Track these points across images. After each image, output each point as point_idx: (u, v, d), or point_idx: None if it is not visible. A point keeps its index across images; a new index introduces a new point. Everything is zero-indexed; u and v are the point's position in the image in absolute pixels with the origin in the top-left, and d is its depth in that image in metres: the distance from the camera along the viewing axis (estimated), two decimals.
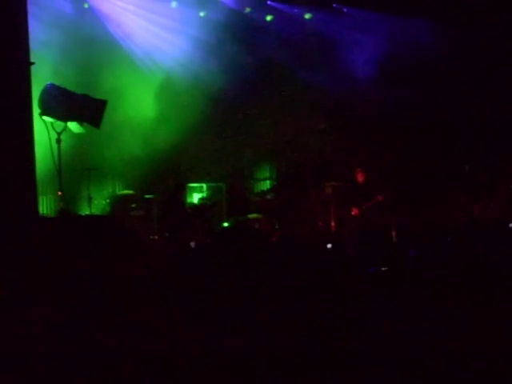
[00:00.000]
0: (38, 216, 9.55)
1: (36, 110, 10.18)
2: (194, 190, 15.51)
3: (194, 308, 6.91)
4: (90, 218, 11.06)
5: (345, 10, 16.87)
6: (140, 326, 6.36)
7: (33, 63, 9.47)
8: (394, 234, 13.42)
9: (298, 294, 7.47)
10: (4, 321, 6.32)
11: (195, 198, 15.42)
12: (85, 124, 11.26)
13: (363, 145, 15.95)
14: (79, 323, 6.37)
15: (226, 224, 14.78)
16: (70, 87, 11.13)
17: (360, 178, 14.39)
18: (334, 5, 16.80)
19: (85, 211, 13.73)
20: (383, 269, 9.56)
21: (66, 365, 5.00)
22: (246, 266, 8.02)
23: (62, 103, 10.74)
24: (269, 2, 16.54)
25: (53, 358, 5.18)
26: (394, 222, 13.55)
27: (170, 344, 5.68)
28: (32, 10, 9.62)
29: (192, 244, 13.65)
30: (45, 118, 10.61)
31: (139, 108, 15.16)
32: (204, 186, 15.57)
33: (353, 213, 14.15)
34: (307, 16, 16.79)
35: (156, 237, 14.11)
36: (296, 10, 16.80)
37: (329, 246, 12.24)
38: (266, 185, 16.93)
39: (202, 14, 16.01)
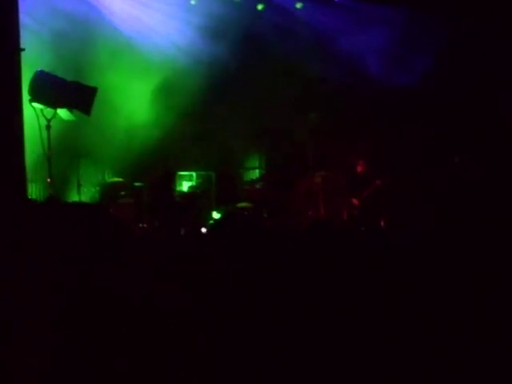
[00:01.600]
0: (27, 201, 9.51)
1: (26, 97, 10.17)
2: (184, 178, 15.50)
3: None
4: (78, 205, 11.04)
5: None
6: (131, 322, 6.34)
7: (23, 49, 9.44)
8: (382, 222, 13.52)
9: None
10: None
11: (185, 186, 15.42)
12: (75, 111, 11.26)
13: (356, 135, 15.97)
14: (66, 315, 6.36)
15: (215, 214, 14.80)
16: (61, 74, 11.12)
17: (360, 169, 14.53)
18: None
19: (74, 198, 13.72)
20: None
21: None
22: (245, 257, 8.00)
23: (52, 90, 10.75)
24: None
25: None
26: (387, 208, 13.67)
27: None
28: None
29: (182, 231, 13.69)
30: (35, 104, 10.61)
31: (131, 96, 15.12)
32: (194, 174, 15.57)
33: (354, 203, 14.28)
34: (298, 5, 16.77)
35: (145, 225, 14.12)
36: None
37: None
38: (255, 174, 16.93)
39: (193, 2, 15.98)
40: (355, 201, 14.29)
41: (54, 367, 5.07)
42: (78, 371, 4.90)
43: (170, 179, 14.55)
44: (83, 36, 15.07)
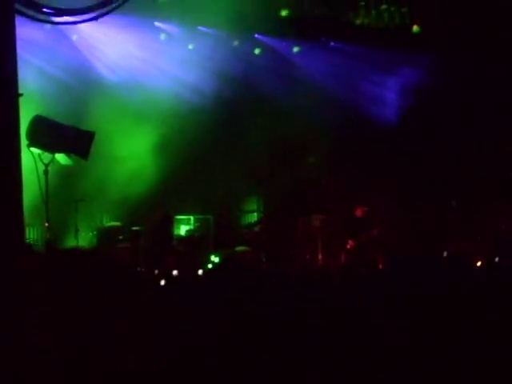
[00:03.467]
0: (26, 248, 9.49)
1: (24, 142, 10.18)
2: (182, 222, 15.48)
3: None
4: (76, 251, 11.01)
5: (331, 43, 17.02)
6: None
7: (21, 94, 9.47)
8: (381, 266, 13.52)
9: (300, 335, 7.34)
10: None
11: (182, 230, 15.40)
12: (72, 155, 11.27)
13: (354, 178, 16.01)
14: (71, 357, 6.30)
15: (214, 258, 14.76)
16: (59, 119, 11.16)
17: (359, 213, 14.55)
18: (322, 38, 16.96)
19: (71, 243, 13.68)
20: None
21: None
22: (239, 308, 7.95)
23: (50, 135, 10.77)
24: (256, 36, 16.63)
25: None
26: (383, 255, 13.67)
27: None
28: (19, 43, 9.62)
29: (174, 273, 13.63)
30: (32, 149, 10.62)
31: (129, 141, 15.14)
32: (191, 218, 15.55)
33: (348, 246, 14.27)
34: (295, 49, 16.89)
35: (143, 269, 14.06)
36: (284, 44, 16.91)
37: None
38: (253, 217, 16.93)
39: (190, 46, 16.10)
40: (351, 242, 14.28)
41: None
42: None
43: (168, 223, 14.53)
44: (82, 84, 15.18)
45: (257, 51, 16.71)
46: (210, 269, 14.08)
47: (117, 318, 7.20)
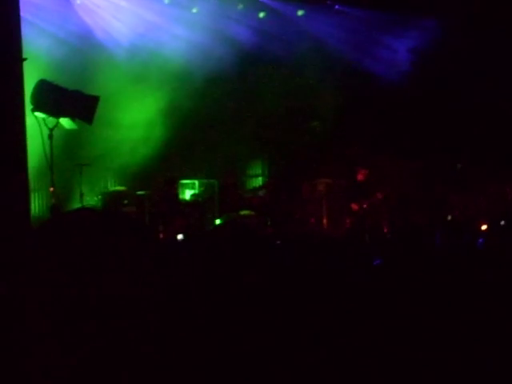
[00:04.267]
0: (30, 213, 9.49)
1: (28, 106, 10.17)
2: (186, 186, 15.50)
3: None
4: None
5: (336, 7, 16.90)
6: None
7: (25, 59, 9.43)
8: (386, 230, 13.54)
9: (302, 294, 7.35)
10: None
11: (187, 194, 15.42)
12: (77, 120, 11.26)
13: (357, 143, 15.98)
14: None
15: (218, 222, 14.79)
16: (63, 83, 11.13)
17: (361, 177, 14.52)
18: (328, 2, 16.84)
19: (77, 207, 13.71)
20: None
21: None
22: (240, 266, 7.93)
23: (54, 99, 10.75)
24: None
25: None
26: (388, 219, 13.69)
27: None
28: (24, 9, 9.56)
29: (179, 236, 13.65)
30: (37, 113, 10.61)
31: (134, 105, 15.12)
32: (196, 182, 15.56)
33: (353, 208, 14.27)
34: (300, 13, 16.79)
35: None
36: (289, 7, 16.80)
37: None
38: (258, 181, 16.94)
39: (194, 10, 16.01)
40: (354, 206, 14.26)
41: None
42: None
43: (172, 186, 14.56)
44: (87, 49, 15.13)
45: (261, 15, 16.62)
46: (211, 230, 14.12)
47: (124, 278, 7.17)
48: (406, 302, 6.80)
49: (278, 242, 11.72)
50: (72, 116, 11.09)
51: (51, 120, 10.76)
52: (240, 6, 16.29)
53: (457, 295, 7.10)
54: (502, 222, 10.85)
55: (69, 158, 13.88)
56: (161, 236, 13.77)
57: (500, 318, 6.01)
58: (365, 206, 14.15)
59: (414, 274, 8.18)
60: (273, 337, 5.80)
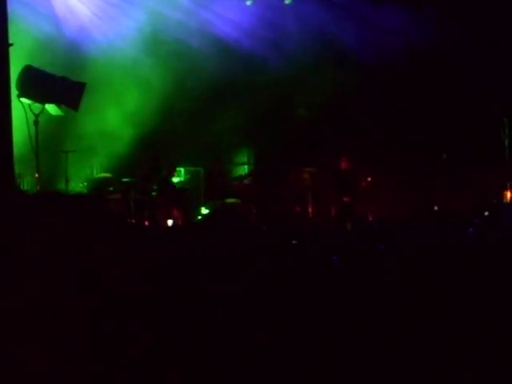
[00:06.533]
0: (17, 194, 9.47)
1: (14, 92, 10.13)
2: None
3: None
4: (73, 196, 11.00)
5: None
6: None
7: (11, 44, 9.40)
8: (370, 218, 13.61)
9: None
10: None
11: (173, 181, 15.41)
12: (63, 106, 11.23)
13: (343, 131, 16.00)
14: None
15: (204, 209, 14.80)
16: (49, 69, 11.10)
17: (344, 165, 14.55)
18: None
19: None
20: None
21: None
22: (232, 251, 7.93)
23: (40, 85, 10.72)
24: None
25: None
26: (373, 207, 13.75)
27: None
28: None
29: (169, 222, 13.69)
30: (22, 99, 10.57)
31: (120, 92, 15.10)
32: (182, 170, 15.55)
33: (345, 200, 14.32)
34: (287, 1, 16.74)
35: (133, 220, 14.09)
36: None
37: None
38: (244, 169, 16.94)
39: None
40: (347, 199, 14.31)
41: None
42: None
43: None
44: (72, 34, 15.08)
45: (248, 2, 16.57)
46: (200, 219, 14.13)
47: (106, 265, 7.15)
48: (395, 293, 6.84)
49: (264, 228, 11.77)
50: (58, 102, 11.05)
51: (37, 106, 10.73)
52: None
53: (446, 285, 7.14)
54: (486, 213, 10.92)
55: (54, 144, 13.84)
56: (146, 223, 13.78)
57: (492, 310, 6.05)
58: (348, 196, 14.20)
59: (402, 264, 8.23)
60: (267, 328, 5.83)
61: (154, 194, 14.49)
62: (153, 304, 6.10)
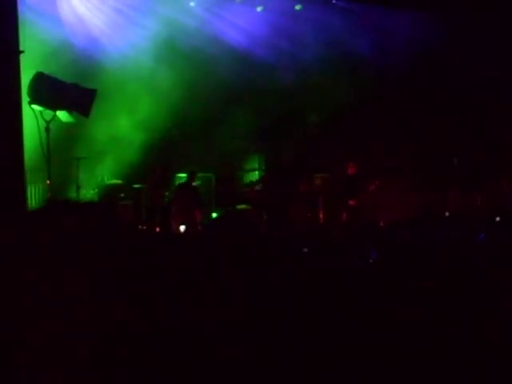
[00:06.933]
0: (26, 206, 9.51)
1: (25, 99, 10.15)
2: (183, 180, 15.50)
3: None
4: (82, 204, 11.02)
5: (333, 1, 16.89)
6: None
7: (22, 52, 9.43)
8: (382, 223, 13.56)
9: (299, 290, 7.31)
10: None
11: None
12: (74, 113, 11.24)
13: (352, 138, 15.99)
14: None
15: (214, 216, 14.79)
16: (61, 76, 11.11)
17: (351, 171, 14.53)
18: None
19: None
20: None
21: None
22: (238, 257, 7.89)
23: (52, 92, 10.71)
24: None
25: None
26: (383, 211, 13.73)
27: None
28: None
29: (182, 228, 13.69)
30: (34, 106, 10.58)
31: (131, 99, 15.13)
32: None
33: (350, 203, 14.28)
34: (297, 7, 16.77)
35: (145, 227, 14.11)
36: (286, 2, 16.78)
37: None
38: (254, 175, 16.94)
39: (192, 4, 16.03)
40: (352, 202, 14.27)
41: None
42: None
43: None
44: (84, 42, 15.13)
45: (259, 9, 16.61)
46: (208, 223, 14.13)
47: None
48: (405, 298, 6.81)
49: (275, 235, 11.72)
50: (69, 109, 11.05)
51: (48, 113, 10.72)
52: (237, 1, 16.30)
53: (457, 290, 7.11)
54: (498, 219, 10.85)
55: (66, 151, 13.88)
56: (157, 229, 13.80)
57: (497, 312, 6.02)
58: (355, 201, 14.16)
59: (412, 269, 8.19)
60: (271, 328, 5.82)
61: (166, 200, 14.51)
62: (160, 309, 6.10)
